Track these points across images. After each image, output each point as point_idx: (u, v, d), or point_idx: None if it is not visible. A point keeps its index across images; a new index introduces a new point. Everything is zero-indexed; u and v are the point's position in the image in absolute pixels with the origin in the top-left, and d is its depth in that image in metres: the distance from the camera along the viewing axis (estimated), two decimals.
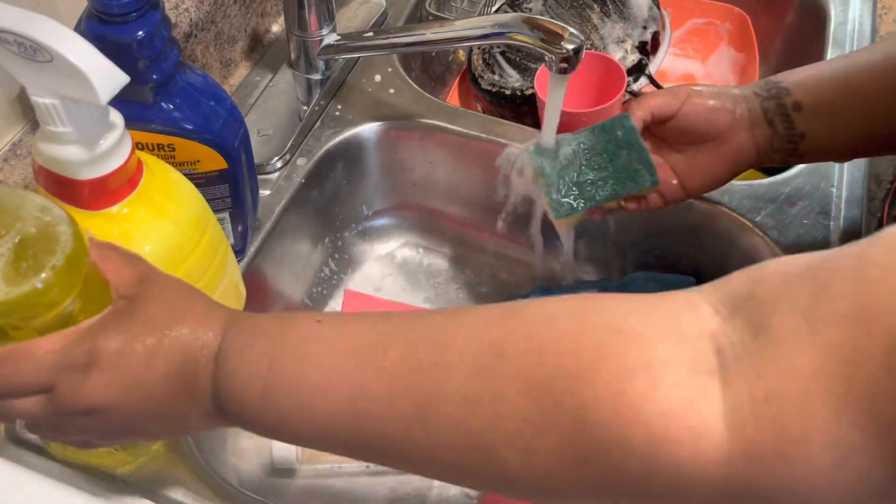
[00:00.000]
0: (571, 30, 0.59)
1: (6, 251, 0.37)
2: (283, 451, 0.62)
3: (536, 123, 0.78)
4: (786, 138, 0.59)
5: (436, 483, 0.66)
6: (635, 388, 0.31)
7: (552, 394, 0.32)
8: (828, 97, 0.58)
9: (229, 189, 0.59)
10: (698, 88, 0.60)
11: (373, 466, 0.66)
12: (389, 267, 0.82)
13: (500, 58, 0.88)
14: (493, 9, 0.92)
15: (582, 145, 0.64)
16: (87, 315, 0.40)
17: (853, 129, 0.58)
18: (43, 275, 0.37)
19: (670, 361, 0.31)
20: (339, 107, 0.77)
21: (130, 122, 0.48)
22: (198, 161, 0.56)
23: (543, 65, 0.78)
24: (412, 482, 0.66)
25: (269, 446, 0.62)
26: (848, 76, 0.58)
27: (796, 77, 0.59)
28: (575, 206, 0.63)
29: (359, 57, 0.81)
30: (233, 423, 0.40)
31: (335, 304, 0.78)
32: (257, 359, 0.38)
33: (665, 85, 0.81)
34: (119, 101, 0.44)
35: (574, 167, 0.63)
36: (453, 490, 0.66)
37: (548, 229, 0.80)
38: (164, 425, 0.41)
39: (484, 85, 0.86)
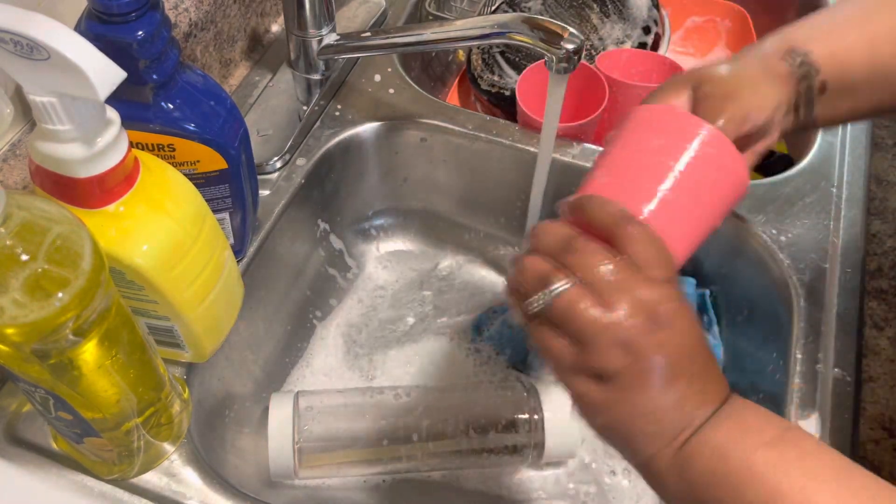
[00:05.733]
0: (571, 29, 0.59)
1: (30, 272, 0.38)
2: (281, 463, 0.61)
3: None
4: (801, 124, 0.53)
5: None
6: None
7: None
8: (855, 76, 0.52)
9: (229, 189, 0.59)
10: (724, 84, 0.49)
11: (369, 479, 0.66)
12: (389, 267, 0.82)
13: (499, 58, 0.88)
14: (492, 9, 0.92)
15: None
16: (101, 330, 0.42)
17: (863, 109, 0.53)
18: (61, 294, 0.38)
19: None
20: (339, 107, 0.78)
21: (130, 123, 0.48)
22: (198, 161, 0.56)
23: (525, 71, 0.78)
24: (413, 492, 0.66)
25: (266, 452, 0.61)
26: (874, 50, 0.51)
27: (825, 48, 0.51)
28: None
29: (358, 57, 0.81)
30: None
31: (335, 305, 0.78)
32: (714, 453, 0.39)
33: None
34: (119, 102, 0.44)
35: None
36: None
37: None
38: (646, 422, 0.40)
39: (483, 85, 0.86)
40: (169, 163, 0.51)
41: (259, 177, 0.69)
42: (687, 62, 0.97)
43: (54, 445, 0.54)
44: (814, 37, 0.52)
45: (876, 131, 0.77)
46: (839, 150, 0.74)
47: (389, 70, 0.81)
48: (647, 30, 0.84)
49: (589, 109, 0.75)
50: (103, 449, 0.50)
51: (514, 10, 0.88)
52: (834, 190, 0.71)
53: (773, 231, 0.68)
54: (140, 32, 0.48)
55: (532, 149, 0.74)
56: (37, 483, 0.52)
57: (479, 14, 0.95)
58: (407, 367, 0.74)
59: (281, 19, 0.84)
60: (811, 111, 0.52)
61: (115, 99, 0.41)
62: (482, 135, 0.76)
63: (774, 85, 0.50)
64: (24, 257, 0.38)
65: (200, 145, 0.54)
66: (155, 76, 0.51)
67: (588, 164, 0.74)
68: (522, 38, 0.60)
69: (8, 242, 0.37)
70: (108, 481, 0.53)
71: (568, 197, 0.43)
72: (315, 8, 0.70)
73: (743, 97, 0.49)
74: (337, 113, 0.77)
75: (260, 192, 0.68)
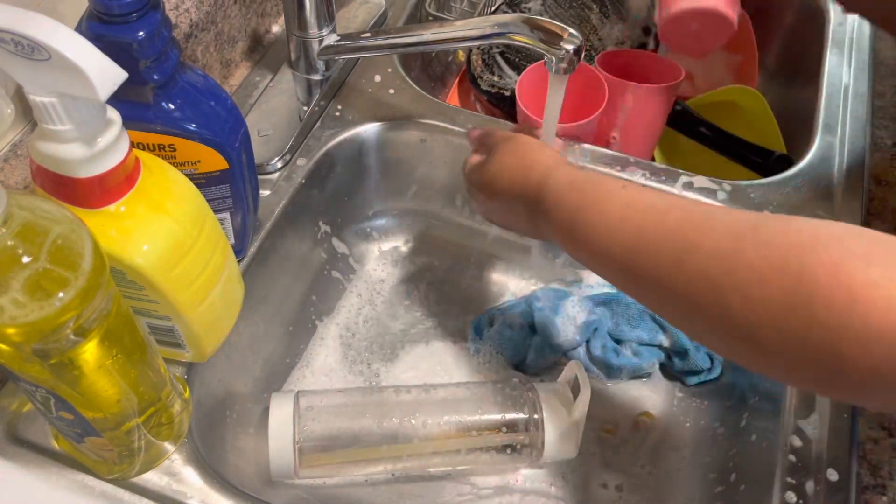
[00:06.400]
0: (571, 30, 0.59)
1: (31, 272, 0.38)
2: (281, 463, 0.61)
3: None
4: None
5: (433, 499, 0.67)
6: (852, 265, 0.37)
7: (783, 257, 0.39)
8: None
9: (229, 189, 0.59)
10: None
11: (370, 478, 0.66)
12: (389, 267, 0.82)
13: (499, 58, 0.88)
14: (492, 9, 0.93)
15: None
16: (101, 330, 0.42)
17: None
18: (61, 294, 0.38)
19: (888, 257, 0.37)
20: (339, 107, 0.78)
21: (131, 123, 0.48)
22: (198, 161, 0.56)
23: (525, 71, 0.78)
24: (413, 491, 0.66)
25: (266, 452, 0.61)
26: None
27: None
28: None
29: (359, 57, 0.81)
30: (547, 226, 0.55)
31: (335, 305, 0.78)
32: (568, 205, 0.52)
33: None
34: (120, 102, 0.44)
35: None
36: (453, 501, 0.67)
37: None
38: (514, 214, 0.59)
39: (483, 86, 0.86)
40: (170, 163, 0.51)
41: (259, 177, 0.69)
42: (685, 64, 0.97)
43: (55, 445, 0.54)
44: None
45: (875, 131, 0.77)
46: (839, 150, 0.74)
47: (389, 70, 0.81)
48: (646, 30, 0.85)
49: (589, 109, 0.75)
50: (104, 448, 0.50)
51: (514, 11, 0.88)
52: (834, 190, 0.71)
53: None
54: (141, 33, 0.48)
55: None
56: (37, 482, 0.52)
57: (479, 14, 0.95)
58: (407, 366, 0.74)
59: (281, 20, 0.84)
60: None
61: (115, 99, 0.41)
62: None
63: None
64: (26, 258, 0.38)
65: (201, 145, 0.55)
66: (155, 76, 0.51)
67: (588, 164, 0.74)
68: (522, 39, 0.61)
69: (9, 242, 0.37)
70: (109, 481, 0.53)
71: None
72: (315, 8, 0.71)
73: None
74: (337, 113, 0.77)
75: (260, 192, 0.68)
